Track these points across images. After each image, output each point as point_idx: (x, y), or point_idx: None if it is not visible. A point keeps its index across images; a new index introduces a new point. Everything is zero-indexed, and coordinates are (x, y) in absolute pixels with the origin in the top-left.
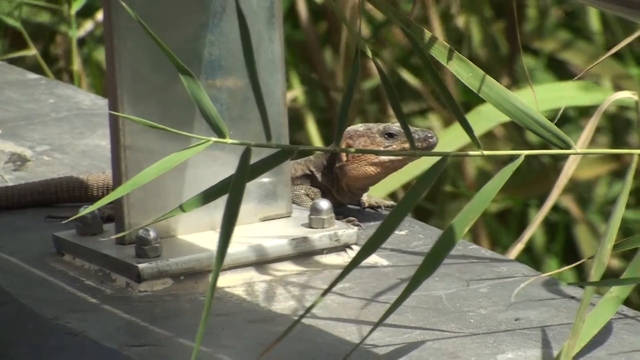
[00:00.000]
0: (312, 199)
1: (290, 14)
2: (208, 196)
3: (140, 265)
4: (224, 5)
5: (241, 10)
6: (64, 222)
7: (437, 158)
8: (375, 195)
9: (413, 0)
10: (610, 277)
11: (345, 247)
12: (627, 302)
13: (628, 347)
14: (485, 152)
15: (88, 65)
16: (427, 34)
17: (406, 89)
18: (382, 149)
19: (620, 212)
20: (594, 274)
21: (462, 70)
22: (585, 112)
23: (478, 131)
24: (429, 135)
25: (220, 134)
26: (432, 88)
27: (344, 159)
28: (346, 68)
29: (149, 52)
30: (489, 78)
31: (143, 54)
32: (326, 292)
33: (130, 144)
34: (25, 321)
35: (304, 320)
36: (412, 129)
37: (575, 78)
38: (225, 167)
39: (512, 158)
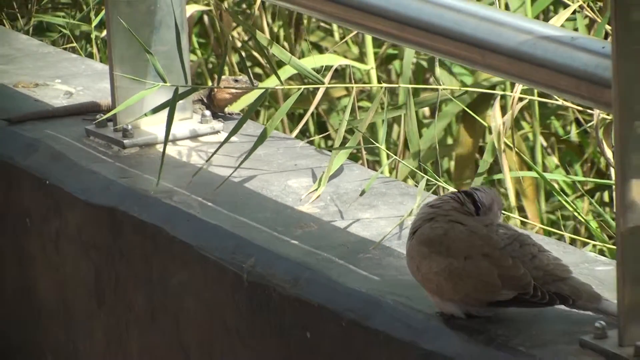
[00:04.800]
0: (202, 110)
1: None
2: (159, 108)
3: (124, 140)
4: (160, 21)
5: (177, 25)
6: (91, 120)
7: (263, 90)
8: (233, 109)
9: (241, 13)
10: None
11: (218, 132)
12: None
13: (352, 179)
14: (285, 87)
15: (101, 50)
16: (260, 34)
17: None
18: (232, 87)
19: (347, 115)
20: (336, 144)
21: (277, 50)
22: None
23: (283, 77)
24: (255, 83)
25: (164, 81)
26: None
27: (216, 90)
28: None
29: (126, 42)
30: (287, 53)
31: (123, 42)
32: (213, 154)
33: (119, 86)
34: (71, 166)
35: (205, 167)
36: (245, 77)
37: (328, 52)
38: (166, 96)
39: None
